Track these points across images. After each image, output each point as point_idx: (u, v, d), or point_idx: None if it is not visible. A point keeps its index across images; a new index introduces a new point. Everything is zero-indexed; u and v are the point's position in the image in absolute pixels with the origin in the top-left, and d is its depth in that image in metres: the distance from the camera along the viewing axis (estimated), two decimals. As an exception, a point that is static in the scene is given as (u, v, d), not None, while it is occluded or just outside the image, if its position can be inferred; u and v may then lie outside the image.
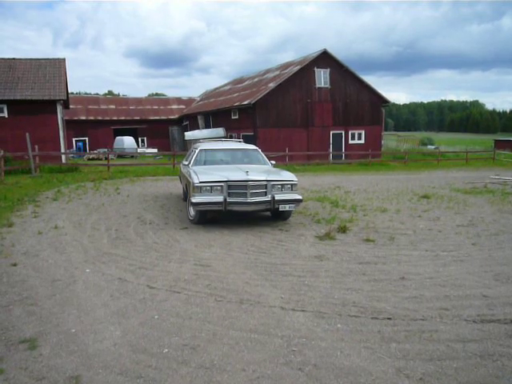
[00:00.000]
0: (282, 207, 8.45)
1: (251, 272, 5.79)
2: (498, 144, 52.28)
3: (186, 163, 10.48)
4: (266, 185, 8.37)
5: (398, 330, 4.09)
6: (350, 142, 30.95)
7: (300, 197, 8.70)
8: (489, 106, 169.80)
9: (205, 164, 9.87)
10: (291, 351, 3.70)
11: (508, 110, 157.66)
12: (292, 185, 8.64)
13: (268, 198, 8.34)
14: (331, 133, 30.28)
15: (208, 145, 10.93)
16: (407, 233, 8.13)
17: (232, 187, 8.25)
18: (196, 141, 12.73)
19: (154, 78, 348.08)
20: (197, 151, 10.34)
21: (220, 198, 8.18)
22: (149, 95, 75.48)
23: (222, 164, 9.86)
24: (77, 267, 5.97)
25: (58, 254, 6.60)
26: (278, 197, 8.36)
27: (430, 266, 6.05)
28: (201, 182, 8.25)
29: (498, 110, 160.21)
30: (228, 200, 8.16)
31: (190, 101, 49.19)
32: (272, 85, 29.26)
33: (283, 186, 8.54)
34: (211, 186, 8.26)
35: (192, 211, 8.90)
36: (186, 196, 10.37)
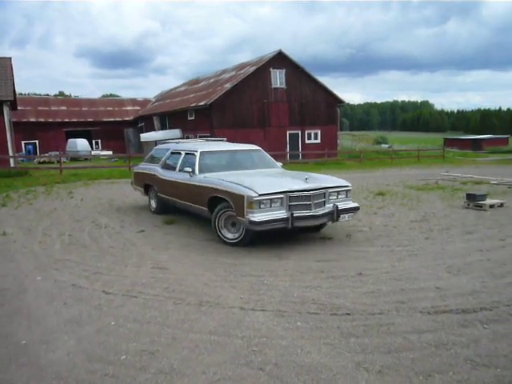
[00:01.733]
0: (342, 217, 7.26)
1: (210, 273, 5.73)
2: (447, 142, 54.45)
3: (175, 169, 8.87)
4: (324, 193, 7.16)
5: (357, 325, 4.15)
6: (307, 141, 31.35)
7: (357, 204, 7.71)
8: (438, 106, 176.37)
9: (212, 171, 8.08)
10: (252, 351, 3.68)
11: (456, 110, 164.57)
12: (347, 191, 7.54)
13: (330, 208, 7.12)
14: (288, 133, 30.58)
15: (204, 146, 9.07)
16: (363, 229, 8.29)
17: (293, 199, 6.74)
18: (163, 141, 11.70)
19: (107, 79, 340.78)
20: (197, 154, 8.40)
21: (284, 214, 6.65)
22: (102, 96, 73.83)
23: (232, 170, 8.23)
24: (27, 275, 5.72)
25: (6, 262, 6.31)
26: (340, 206, 7.25)
27: (386, 261, 6.19)
28: (261, 195, 6.52)
29: (446, 110, 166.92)
30: (294, 215, 6.70)
31: (145, 102, 48.43)
32: (228, 85, 29.23)
33: (339, 192, 7.42)
34: (271, 199, 6.65)
35: (232, 230, 7.25)
36: (161, 207, 9.85)
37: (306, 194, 6.82)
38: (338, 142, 35.54)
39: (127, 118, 44.00)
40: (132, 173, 11.44)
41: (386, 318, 4.28)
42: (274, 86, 29.89)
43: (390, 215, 9.74)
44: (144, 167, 10.60)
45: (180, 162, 8.85)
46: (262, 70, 29.39)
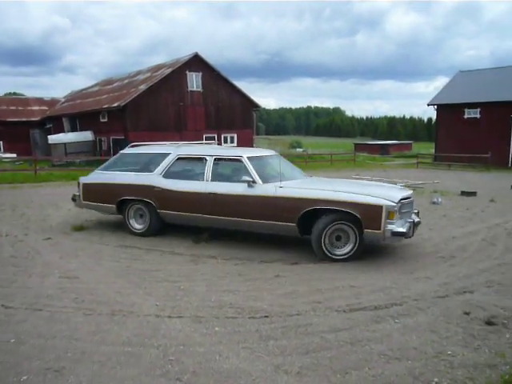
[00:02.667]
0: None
1: (123, 280, 5.45)
2: (358, 147, 57.29)
3: (198, 179, 7.25)
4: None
5: (275, 327, 4.13)
6: (223, 145, 31.38)
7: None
8: (348, 113, 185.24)
9: (268, 181, 6.85)
10: (168, 361, 3.51)
11: (365, 117, 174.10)
12: (412, 202, 6.84)
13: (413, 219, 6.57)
14: (204, 136, 30.38)
15: (227, 151, 7.82)
16: (280, 231, 8.38)
17: (403, 207, 6.28)
18: (138, 144, 9.10)
19: (9, 76, 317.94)
20: (246, 161, 6.94)
21: (406, 222, 6.26)
22: (5, 95, 68.62)
23: (283, 177, 6.94)
24: None
25: None
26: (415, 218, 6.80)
27: (304, 262, 6.28)
28: (397, 203, 6.02)
29: (356, 117, 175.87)
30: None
31: (53, 102, 45.65)
32: (143, 87, 28.45)
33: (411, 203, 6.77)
34: (399, 208, 6.11)
35: (339, 245, 6.38)
36: (158, 226, 7.76)
37: (410, 201, 6.54)
38: (254, 145, 36.00)
39: (33, 119, 41.19)
40: (80, 186, 8.40)
41: (303, 319, 4.31)
42: (190, 88, 29.59)
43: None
44: (114, 177, 8.04)
45: (208, 169, 7.16)
46: (178, 73, 28.97)
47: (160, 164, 7.67)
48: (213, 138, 30.75)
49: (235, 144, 31.82)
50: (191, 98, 29.72)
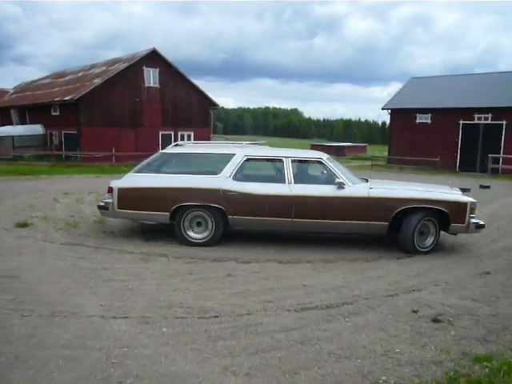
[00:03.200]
0: None
1: (68, 280, 5.19)
2: (314, 148, 57.94)
3: (276, 181, 6.98)
4: None
5: (225, 327, 4.03)
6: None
7: None
8: (306, 114, 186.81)
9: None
10: (111, 364, 3.34)
11: (322, 119, 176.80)
12: None
13: None
14: (160, 133, 29.87)
15: (302, 152, 7.58)
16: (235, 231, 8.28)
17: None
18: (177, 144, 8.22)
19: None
20: (327, 162, 7.06)
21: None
22: None
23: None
24: None
25: None
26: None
27: (255, 261, 6.21)
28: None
29: (313, 118, 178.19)
30: None
31: (1, 93, 43.63)
32: (98, 81, 27.64)
33: None
34: None
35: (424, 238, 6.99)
36: (222, 233, 7.01)
37: None
38: (212, 144, 35.75)
39: (-22, 110, 39.21)
40: (115, 191, 6.97)
41: (254, 319, 4.23)
42: (147, 84, 29.00)
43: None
44: (166, 180, 7.00)
45: (288, 172, 6.91)
46: (134, 68, 28.33)
47: (226, 165, 6.95)
48: (169, 136, 30.26)
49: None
50: (148, 93, 29.14)
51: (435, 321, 4.31)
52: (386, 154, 37.53)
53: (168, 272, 5.60)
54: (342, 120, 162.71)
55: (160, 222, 7.16)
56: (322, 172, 7.12)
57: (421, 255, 6.81)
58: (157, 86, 29.40)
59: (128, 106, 28.27)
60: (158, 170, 7.26)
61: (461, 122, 30.13)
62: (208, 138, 32.92)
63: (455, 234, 7.43)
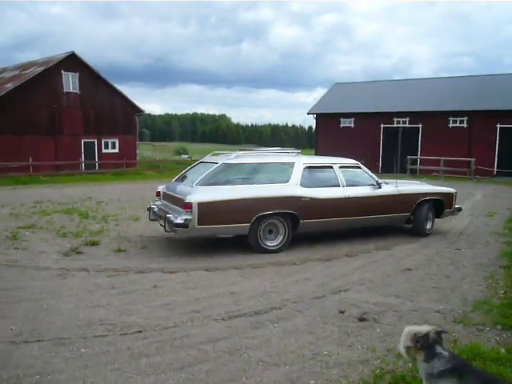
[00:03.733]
0: None
1: (-27, 303, 4.72)
2: (242, 153, 58.33)
3: (335, 186, 7.66)
4: None
5: (149, 343, 3.82)
6: (104, 150, 29.81)
7: None
8: (234, 120, 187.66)
9: None
10: (20, 394, 3.03)
11: (250, 124, 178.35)
12: None
13: None
14: (83, 141, 28.57)
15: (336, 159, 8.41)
16: (159, 239, 8.03)
17: None
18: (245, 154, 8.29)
19: None
20: (362, 167, 8.44)
21: None
22: None
23: None
24: None
25: None
26: None
27: (181, 270, 6.02)
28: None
29: (241, 124, 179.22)
30: None
31: None
32: (10, 85, 25.92)
33: None
34: None
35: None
36: (288, 241, 7.14)
37: None
38: (138, 152, 34.81)
39: None
40: (194, 207, 6.40)
41: (180, 331, 4.06)
42: (66, 90, 27.60)
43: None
44: (247, 191, 6.91)
45: (340, 176, 7.77)
46: (51, 72, 26.85)
47: (291, 174, 7.33)
48: (92, 144, 29.04)
49: (117, 150, 30.38)
50: (67, 99, 27.75)
51: (361, 320, 4.38)
52: (312, 157, 38.51)
53: (88, 287, 5.27)
54: (269, 125, 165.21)
55: (239, 234, 7.00)
56: (361, 175, 8.22)
57: (344, 258, 6.97)
58: (77, 91, 28.09)
59: (46, 113, 26.73)
60: (228, 182, 7.15)
61: (382, 125, 31.64)
62: (134, 145, 31.99)
63: (441, 218, 9.14)
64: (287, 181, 7.27)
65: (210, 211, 6.56)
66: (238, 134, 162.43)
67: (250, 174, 7.57)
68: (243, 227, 6.81)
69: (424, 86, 33.91)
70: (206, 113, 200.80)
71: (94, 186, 19.11)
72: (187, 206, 6.45)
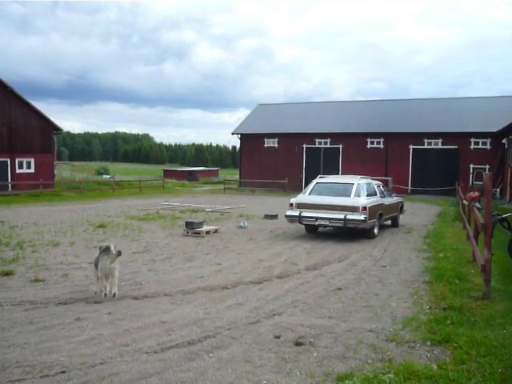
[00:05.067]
0: None
1: None
2: (167, 173, 57.36)
3: None
4: None
5: (74, 384, 3.49)
6: (18, 170, 27.91)
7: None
8: (157, 140, 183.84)
9: None
10: None
11: (173, 144, 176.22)
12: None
13: None
14: (-6, 161, 26.58)
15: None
16: (82, 266, 7.55)
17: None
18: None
19: None
20: (373, 184, 12.56)
21: None
22: None
23: None
24: None
25: None
26: None
27: (107, 300, 5.65)
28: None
29: (165, 144, 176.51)
30: None
31: None
32: None
33: None
34: None
35: None
36: None
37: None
38: (56, 171, 33.00)
39: None
40: (367, 208, 10.76)
41: (108, 368, 3.75)
42: (-26, 106, 25.66)
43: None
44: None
45: (377, 190, 12.42)
46: (-43, 87, 24.89)
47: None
48: (5, 163, 27.10)
49: (33, 170, 28.58)
50: (-24, 117, 25.78)
51: (297, 344, 4.32)
52: (237, 177, 38.74)
53: (1, 324, 4.77)
54: (193, 145, 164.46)
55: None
56: (383, 190, 12.85)
57: (281, 278, 6.95)
58: (-13, 108, 26.21)
59: (-49, 131, 24.62)
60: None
61: (304, 145, 32.61)
62: (51, 165, 30.29)
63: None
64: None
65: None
66: (161, 154, 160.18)
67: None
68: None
69: (343, 108, 35.59)
70: (128, 132, 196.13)
71: (7, 208, 17.76)
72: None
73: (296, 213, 10.97)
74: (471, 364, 3.78)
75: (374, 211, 10.93)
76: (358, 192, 10.88)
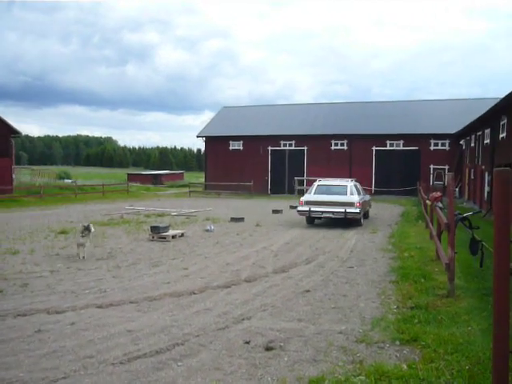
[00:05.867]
0: None
1: None
2: (131, 177, 56.43)
3: None
4: None
5: (35, 400, 3.31)
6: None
7: None
8: (121, 143, 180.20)
9: None
10: None
11: (137, 147, 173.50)
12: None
13: None
14: None
15: None
16: (43, 275, 7.26)
17: None
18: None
19: None
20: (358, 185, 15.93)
21: None
22: None
23: None
24: None
25: None
26: None
27: (70, 310, 5.45)
28: None
29: (128, 147, 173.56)
30: None
31: None
32: None
33: None
34: None
35: None
36: None
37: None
38: (14, 176, 31.86)
39: None
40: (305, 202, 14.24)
41: (71, 383, 3.59)
42: None
43: (73, 255, 8.94)
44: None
45: (359, 190, 15.58)
46: None
47: (348, 190, 14.33)
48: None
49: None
50: None
51: (268, 349, 4.27)
52: (202, 180, 38.46)
53: (-45, 339, 4.51)
54: (157, 148, 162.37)
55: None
56: (361, 189, 15.60)
57: (250, 282, 6.89)
58: None
59: None
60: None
61: (269, 148, 32.70)
62: (9, 170, 29.20)
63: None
64: (346, 194, 14.00)
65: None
66: (125, 157, 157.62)
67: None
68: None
69: (307, 110, 35.92)
70: (90, 135, 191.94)
71: (-39, 216, 16.96)
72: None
73: (306, 208, 13.78)
74: (440, 362, 3.82)
75: (363, 205, 14.10)
76: (351, 191, 14.06)
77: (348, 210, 13.27)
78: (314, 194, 14.29)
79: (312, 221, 14.53)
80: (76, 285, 6.66)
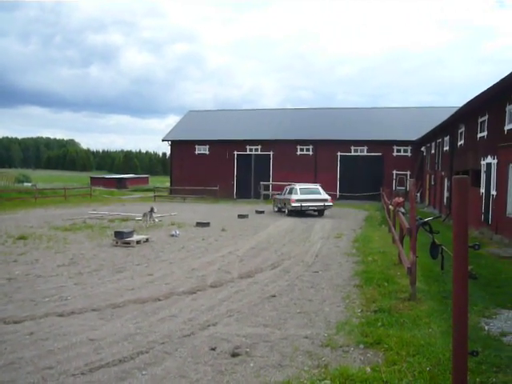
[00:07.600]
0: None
1: None
2: (94, 181, 55.31)
3: None
4: None
5: (-10, 415, 3.18)
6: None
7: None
8: (84, 146, 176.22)
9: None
10: None
11: (101, 150, 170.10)
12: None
13: None
14: None
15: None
16: (0, 283, 6.99)
17: None
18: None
19: None
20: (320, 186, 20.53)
21: None
22: None
23: None
24: None
25: None
26: None
27: (29, 319, 5.26)
28: None
29: (92, 150, 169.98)
30: None
31: None
32: None
33: None
34: None
35: None
36: None
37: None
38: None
39: None
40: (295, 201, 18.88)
41: (29, 395, 3.47)
42: None
43: (33, 262, 8.66)
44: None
45: (321, 191, 20.15)
46: None
47: (293, 190, 19.65)
48: None
49: None
50: None
51: (234, 355, 4.25)
52: (168, 184, 38.07)
53: None
54: (122, 151, 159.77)
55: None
56: (322, 190, 20.23)
57: (214, 287, 6.84)
58: None
59: None
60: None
61: (235, 152, 32.73)
62: (-36, 174, 28.06)
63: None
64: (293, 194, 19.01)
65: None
66: (88, 161, 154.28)
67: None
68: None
69: (273, 115, 36.18)
70: (51, 137, 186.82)
71: None
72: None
73: (298, 204, 18.54)
74: (402, 364, 3.90)
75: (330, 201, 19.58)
76: (322, 191, 19.68)
77: (326, 204, 19.05)
78: (300, 194, 18.96)
79: (302, 214, 18.93)
80: (35, 293, 6.44)
